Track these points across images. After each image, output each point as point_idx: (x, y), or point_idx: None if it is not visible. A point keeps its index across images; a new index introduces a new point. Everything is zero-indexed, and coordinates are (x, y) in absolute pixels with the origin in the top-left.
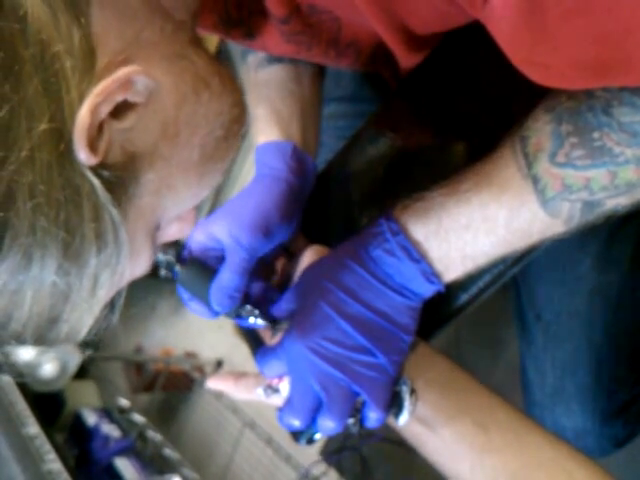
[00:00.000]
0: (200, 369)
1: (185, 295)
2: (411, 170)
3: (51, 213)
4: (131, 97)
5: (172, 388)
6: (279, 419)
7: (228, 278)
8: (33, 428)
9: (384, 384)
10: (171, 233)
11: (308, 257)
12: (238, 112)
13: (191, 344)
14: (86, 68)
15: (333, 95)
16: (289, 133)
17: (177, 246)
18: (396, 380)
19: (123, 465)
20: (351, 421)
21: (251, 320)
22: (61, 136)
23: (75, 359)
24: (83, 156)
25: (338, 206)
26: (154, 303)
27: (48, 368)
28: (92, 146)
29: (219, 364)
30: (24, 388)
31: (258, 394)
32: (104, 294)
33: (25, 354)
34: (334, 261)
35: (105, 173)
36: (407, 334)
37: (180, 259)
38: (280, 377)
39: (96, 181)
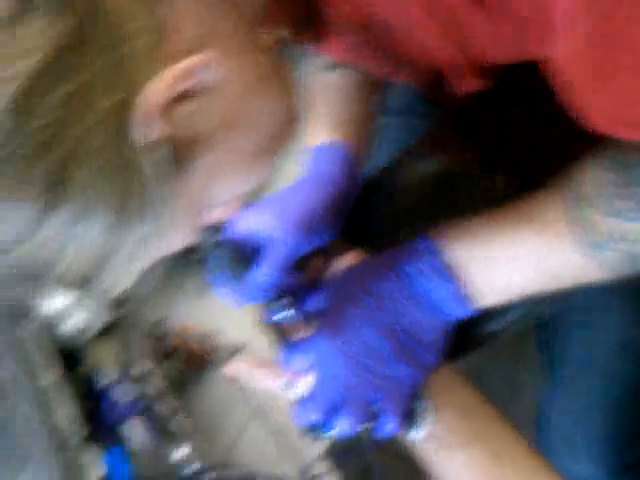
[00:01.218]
0: (216, 351)
1: (216, 279)
2: (454, 193)
3: (106, 180)
4: (198, 83)
5: (186, 364)
6: (298, 410)
7: (266, 273)
8: (48, 379)
9: (403, 397)
10: (213, 217)
11: (347, 261)
12: (293, 113)
13: (212, 326)
14: (159, 50)
15: (387, 106)
16: (345, 137)
17: (217, 231)
18: (416, 396)
19: (130, 429)
20: (364, 426)
21: (280, 315)
22: (125, 112)
23: (100, 318)
24: (143, 133)
25: (381, 216)
26: (182, 280)
27: (73, 323)
28: (153, 125)
29: (236, 350)
30: (44, 341)
31: (277, 386)
32: (140, 262)
33: (52, 306)
34: (370, 269)
35: (162, 151)
36: (432, 352)
37: (219, 244)
38: (301, 373)
39: (152, 157)
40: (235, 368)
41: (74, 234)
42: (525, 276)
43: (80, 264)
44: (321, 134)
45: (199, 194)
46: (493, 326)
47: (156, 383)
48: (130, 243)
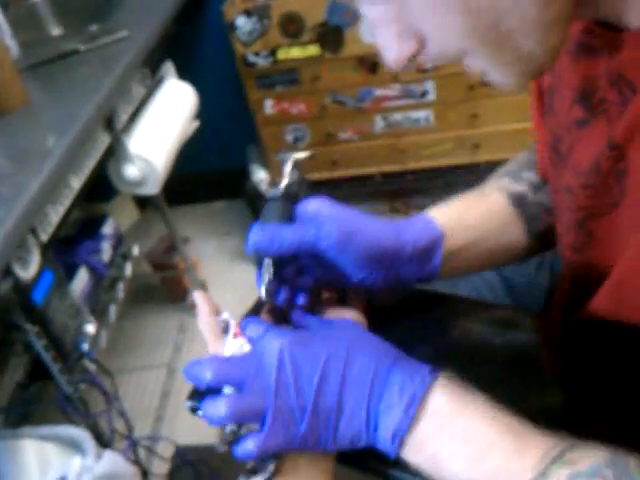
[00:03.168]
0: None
1: (261, 216)
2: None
3: None
4: None
5: (168, 288)
6: (195, 361)
7: (288, 231)
8: (74, 181)
9: (284, 439)
10: (387, 40)
11: (345, 313)
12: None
13: (214, 286)
14: None
15: None
16: (452, 237)
17: (297, 184)
18: (278, 456)
19: (78, 276)
20: (231, 430)
21: (264, 276)
22: None
23: (153, 186)
24: None
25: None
26: (228, 232)
27: (133, 171)
28: None
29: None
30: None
31: (224, 316)
32: None
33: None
34: (369, 340)
35: None
36: (332, 443)
37: (285, 192)
38: (244, 336)
39: None
40: (202, 298)
41: None
42: (456, 469)
43: None
44: (443, 215)
45: None
46: None
47: (126, 272)
48: None
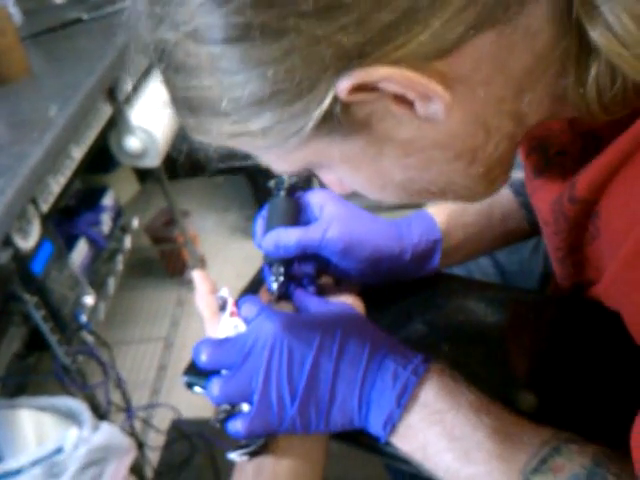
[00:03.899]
0: (189, 276)
1: (263, 213)
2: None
3: (288, 74)
4: (419, 105)
5: (167, 262)
6: (200, 341)
7: (293, 236)
8: (76, 151)
9: (272, 422)
10: (326, 179)
11: (343, 297)
12: (450, 195)
13: (212, 263)
14: (420, 53)
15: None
16: (451, 235)
17: (299, 183)
18: (270, 437)
19: (79, 246)
20: (224, 409)
21: (271, 279)
22: (349, 59)
23: (154, 159)
24: (342, 86)
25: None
26: (228, 207)
27: (134, 143)
28: (353, 90)
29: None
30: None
31: (222, 293)
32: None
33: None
34: (364, 326)
35: (335, 109)
36: (323, 425)
37: (289, 190)
38: (240, 316)
39: (324, 104)
40: (201, 277)
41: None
42: (444, 465)
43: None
44: (440, 209)
45: (322, 154)
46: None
47: (126, 245)
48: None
